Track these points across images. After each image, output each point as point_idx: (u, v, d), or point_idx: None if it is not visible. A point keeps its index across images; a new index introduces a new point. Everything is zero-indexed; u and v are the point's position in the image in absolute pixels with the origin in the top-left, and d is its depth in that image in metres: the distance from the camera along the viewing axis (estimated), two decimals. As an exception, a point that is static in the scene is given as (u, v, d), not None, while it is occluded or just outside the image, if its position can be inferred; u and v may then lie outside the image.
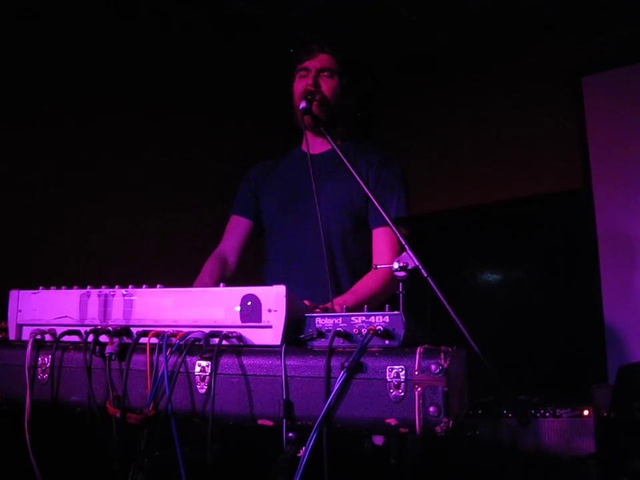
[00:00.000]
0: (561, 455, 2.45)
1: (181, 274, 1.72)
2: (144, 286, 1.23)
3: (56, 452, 1.17)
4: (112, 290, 1.24)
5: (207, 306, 1.16)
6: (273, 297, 1.11)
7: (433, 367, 0.96)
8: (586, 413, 2.49)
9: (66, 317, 1.26)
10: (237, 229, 2.05)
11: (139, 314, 1.21)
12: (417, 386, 0.96)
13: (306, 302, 1.29)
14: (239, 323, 1.13)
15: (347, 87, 1.92)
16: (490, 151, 4.14)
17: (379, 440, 1.24)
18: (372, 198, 1.40)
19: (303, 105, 1.74)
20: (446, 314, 1.16)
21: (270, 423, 1.05)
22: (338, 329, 1.08)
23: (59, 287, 1.30)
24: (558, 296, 3.76)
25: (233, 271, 2.00)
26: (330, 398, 0.99)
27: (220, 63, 3.78)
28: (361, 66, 2.13)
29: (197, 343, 1.11)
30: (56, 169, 2.99)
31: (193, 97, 3.65)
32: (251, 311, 1.12)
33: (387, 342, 1.05)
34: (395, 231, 1.31)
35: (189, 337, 1.11)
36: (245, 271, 1.99)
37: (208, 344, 1.11)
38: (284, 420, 1.02)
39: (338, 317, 1.10)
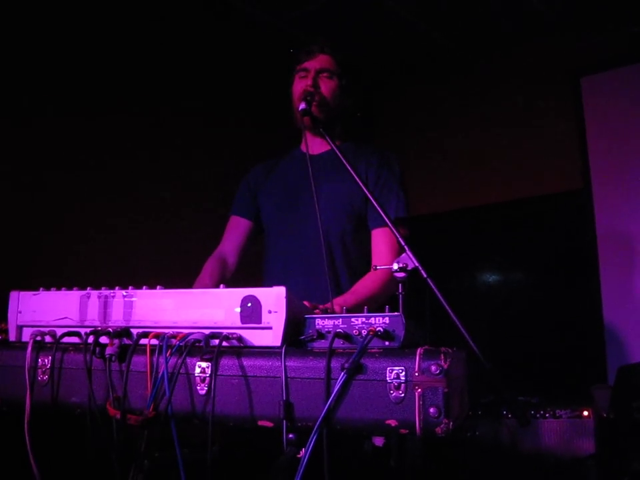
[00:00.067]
0: (560, 455, 2.45)
1: (181, 275, 1.72)
2: (144, 287, 1.23)
3: (56, 453, 1.17)
4: (112, 291, 1.24)
5: (207, 307, 1.16)
6: (273, 298, 1.11)
7: (433, 368, 0.96)
8: (586, 413, 2.49)
9: (66, 318, 1.26)
10: (236, 230, 2.05)
11: (139, 315, 1.21)
12: (417, 387, 0.96)
13: (305, 303, 1.29)
14: (239, 324, 1.13)
15: (347, 88, 1.92)
16: (489, 151, 4.14)
17: (379, 441, 1.23)
18: (371, 199, 1.40)
19: (302, 105, 1.74)
20: (445, 315, 1.16)
21: (270, 424, 1.05)
22: (338, 330, 1.08)
23: (59, 288, 1.30)
24: (557, 297, 3.76)
25: (233, 271, 2.00)
26: (330, 399, 0.99)
27: (220, 63, 3.78)
28: (360, 67, 2.13)
29: (197, 344, 1.11)
30: (56, 169, 2.98)
31: (193, 97, 3.65)
32: (251, 312, 1.12)
33: (387, 343, 1.05)
34: (395, 231, 1.31)
35: (189, 338, 1.11)
36: (245, 272, 1.99)
37: (208, 345, 1.11)
38: (284, 421, 1.02)
39: (338, 318, 1.10)
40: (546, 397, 2.69)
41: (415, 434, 0.96)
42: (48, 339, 1.26)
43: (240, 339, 1.13)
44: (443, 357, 0.97)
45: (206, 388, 1.08)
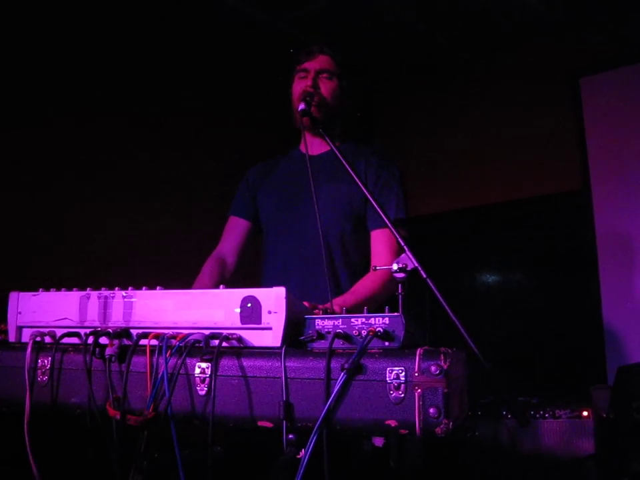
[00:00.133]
0: (560, 455, 2.45)
1: (180, 275, 1.72)
2: (144, 288, 1.23)
3: (55, 454, 1.17)
4: (112, 292, 1.24)
5: (207, 308, 1.16)
6: (273, 299, 1.11)
7: (433, 368, 0.96)
8: (585, 414, 2.49)
9: (66, 318, 1.26)
10: (235, 230, 2.05)
11: (139, 316, 1.21)
12: (416, 387, 0.96)
13: (305, 303, 1.29)
14: (238, 324, 1.13)
15: (346, 89, 1.92)
16: (489, 151, 4.14)
17: (378, 441, 1.23)
18: (371, 200, 1.40)
19: (301, 106, 1.74)
20: (445, 315, 1.16)
21: (270, 425, 1.05)
22: (338, 330, 1.08)
23: (58, 289, 1.29)
24: (557, 297, 3.77)
25: (232, 272, 2.00)
26: (330, 399, 0.99)
27: (220, 63, 3.78)
28: (360, 67, 2.13)
29: (196, 344, 1.11)
30: (56, 169, 2.99)
31: (193, 97, 3.66)
32: (251, 313, 1.12)
33: (386, 343, 1.05)
34: (394, 232, 1.31)
35: (188, 338, 1.11)
36: (244, 272, 1.99)
37: (208, 346, 1.11)
38: (284, 421, 1.02)
39: (338, 318, 1.10)
40: (545, 397, 2.69)
41: (415, 434, 0.96)
42: (48, 339, 1.26)
43: (240, 339, 1.13)
44: (442, 357, 0.97)
45: (206, 388, 1.08)
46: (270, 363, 1.07)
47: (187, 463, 1.03)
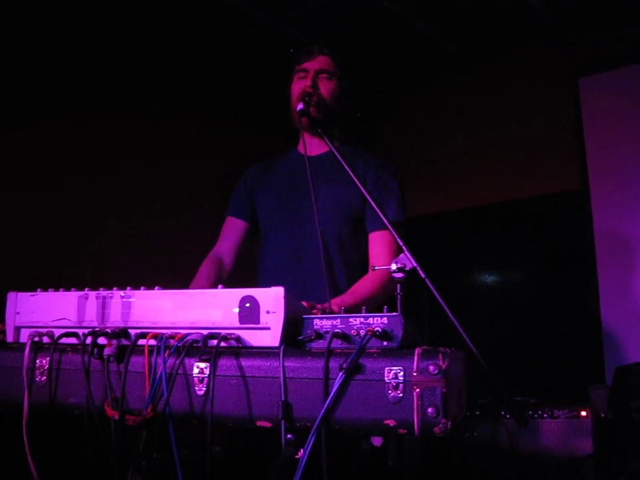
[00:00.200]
0: (558, 455, 2.45)
1: (179, 275, 1.72)
2: (142, 288, 1.23)
3: (54, 454, 1.17)
4: (110, 292, 1.24)
5: (205, 308, 1.16)
6: (272, 299, 1.11)
7: (432, 368, 0.96)
8: (583, 413, 2.49)
9: (64, 319, 1.26)
10: (232, 231, 2.05)
11: (137, 316, 1.21)
12: (415, 387, 0.96)
13: (303, 303, 1.29)
14: (237, 324, 1.13)
15: (346, 89, 1.92)
16: (488, 151, 4.14)
17: (377, 441, 1.24)
18: (370, 200, 1.40)
19: (300, 106, 1.74)
20: (444, 315, 1.16)
21: (268, 425, 1.05)
22: (336, 330, 1.08)
23: (56, 289, 1.29)
24: (555, 297, 3.77)
25: (229, 272, 2.00)
26: (328, 399, 0.99)
27: (219, 63, 3.78)
28: (360, 68, 2.13)
29: (195, 344, 1.11)
30: (56, 169, 2.98)
31: (192, 97, 3.65)
32: (249, 313, 1.12)
33: (385, 343, 1.05)
34: (393, 232, 1.31)
35: (187, 338, 1.11)
36: (241, 272, 1.99)
37: (206, 345, 1.11)
38: (282, 421, 1.02)
39: (336, 318, 1.10)
40: (544, 397, 2.69)
41: (413, 434, 0.96)
42: (46, 339, 1.25)
43: (238, 339, 1.13)
44: (441, 357, 0.97)
45: (204, 388, 1.08)
46: (268, 363, 1.07)
47: (185, 462, 1.03)
